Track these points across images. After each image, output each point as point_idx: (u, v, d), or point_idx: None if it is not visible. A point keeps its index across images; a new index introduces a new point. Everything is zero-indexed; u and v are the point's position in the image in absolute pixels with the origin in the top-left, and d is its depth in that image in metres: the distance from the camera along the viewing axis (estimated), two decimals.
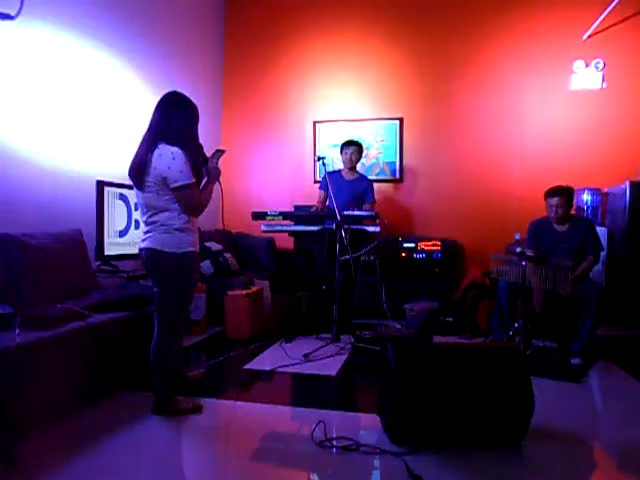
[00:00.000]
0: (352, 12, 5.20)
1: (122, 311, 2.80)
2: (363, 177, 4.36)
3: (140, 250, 2.40)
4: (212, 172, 2.45)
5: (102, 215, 3.33)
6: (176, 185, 2.25)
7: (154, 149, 2.27)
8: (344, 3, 5.22)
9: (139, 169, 2.30)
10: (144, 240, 2.37)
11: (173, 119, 2.33)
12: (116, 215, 3.45)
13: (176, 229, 2.31)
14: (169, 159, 2.24)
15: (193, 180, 2.30)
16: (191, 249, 2.37)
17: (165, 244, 2.30)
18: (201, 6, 5.19)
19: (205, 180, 2.45)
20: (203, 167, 2.44)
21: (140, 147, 2.35)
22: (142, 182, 2.31)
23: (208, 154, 2.50)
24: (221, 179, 2.51)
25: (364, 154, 5.03)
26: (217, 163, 2.50)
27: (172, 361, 2.44)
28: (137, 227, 3.62)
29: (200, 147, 2.47)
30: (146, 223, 2.37)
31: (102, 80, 3.67)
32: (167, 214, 2.31)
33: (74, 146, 3.39)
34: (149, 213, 2.34)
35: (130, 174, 2.36)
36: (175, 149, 2.26)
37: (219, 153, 2.52)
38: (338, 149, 4.33)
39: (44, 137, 3.14)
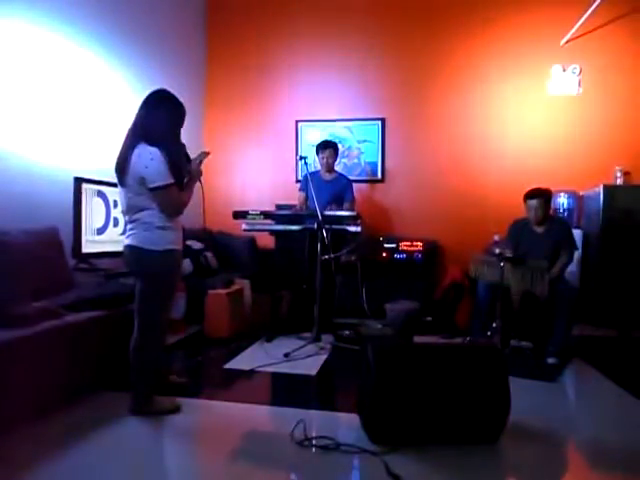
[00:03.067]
0: (335, 13, 5.22)
1: (99, 309, 2.75)
2: (342, 176, 4.36)
3: (124, 247, 2.40)
4: (193, 173, 2.45)
5: (80, 212, 3.27)
6: (153, 185, 2.24)
7: (134, 148, 2.27)
8: (327, 5, 5.23)
9: (122, 167, 2.30)
10: (127, 237, 2.37)
11: (155, 118, 2.32)
12: (94, 212, 3.40)
13: (157, 227, 2.31)
14: (147, 159, 2.23)
15: (171, 181, 2.28)
16: (172, 247, 2.36)
17: (146, 242, 2.30)
18: (183, 5, 5.15)
19: (186, 180, 2.43)
20: (185, 167, 2.42)
21: (122, 146, 2.35)
22: (124, 180, 2.30)
23: (191, 154, 2.48)
24: (202, 179, 2.52)
25: (345, 154, 5.03)
26: (200, 164, 2.50)
27: (151, 361, 2.41)
28: (116, 225, 3.57)
29: (182, 146, 2.45)
30: (129, 221, 2.37)
31: (80, 75, 3.60)
32: (148, 212, 2.30)
33: (51, 141, 3.32)
34: (132, 211, 2.34)
35: (115, 171, 2.36)
36: (154, 149, 2.25)
37: (203, 155, 2.53)
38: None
39: (19, 132, 3.07)
